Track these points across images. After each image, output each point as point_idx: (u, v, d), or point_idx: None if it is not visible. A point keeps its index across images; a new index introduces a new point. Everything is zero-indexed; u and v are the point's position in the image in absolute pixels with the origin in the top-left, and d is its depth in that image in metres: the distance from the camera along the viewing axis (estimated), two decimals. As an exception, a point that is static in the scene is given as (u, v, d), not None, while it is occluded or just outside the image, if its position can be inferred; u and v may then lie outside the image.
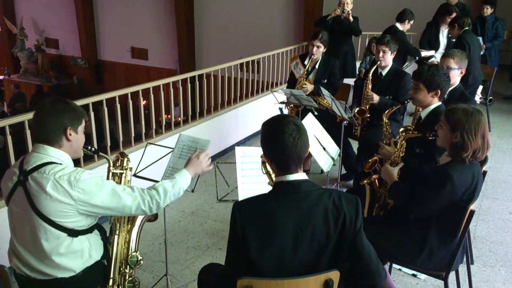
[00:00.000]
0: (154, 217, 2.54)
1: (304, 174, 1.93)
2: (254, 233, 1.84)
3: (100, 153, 2.45)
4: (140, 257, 2.37)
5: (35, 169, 2.04)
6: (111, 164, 2.40)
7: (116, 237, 2.34)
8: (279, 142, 1.84)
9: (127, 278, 2.33)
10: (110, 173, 2.39)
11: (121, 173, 2.42)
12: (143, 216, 2.43)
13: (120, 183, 2.39)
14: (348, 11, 5.96)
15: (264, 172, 2.69)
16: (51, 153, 2.10)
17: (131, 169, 2.47)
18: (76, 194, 2.02)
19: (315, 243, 1.86)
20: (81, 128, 2.18)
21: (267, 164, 2.65)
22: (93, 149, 2.35)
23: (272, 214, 1.85)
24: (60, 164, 2.08)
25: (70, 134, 2.12)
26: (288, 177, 1.89)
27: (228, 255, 1.97)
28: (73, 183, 2.02)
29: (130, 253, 2.36)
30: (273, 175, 2.60)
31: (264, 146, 1.94)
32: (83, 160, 4.04)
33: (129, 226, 2.39)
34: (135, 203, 2.15)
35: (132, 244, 2.39)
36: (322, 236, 1.86)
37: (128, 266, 2.34)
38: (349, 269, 2.00)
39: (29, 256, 2.10)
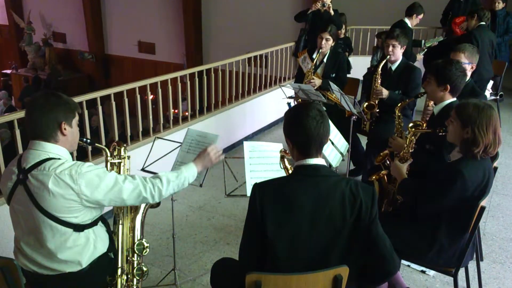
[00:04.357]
0: (157, 204, 2.51)
1: (323, 160, 1.98)
2: (272, 211, 1.90)
3: (97, 144, 2.43)
4: (146, 244, 2.36)
5: (35, 167, 2.02)
6: (109, 155, 2.37)
7: (120, 226, 2.33)
8: (303, 124, 1.90)
9: (135, 266, 2.33)
10: (109, 164, 2.36)
11: (119, 163, 2.39)
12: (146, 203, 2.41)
13: (119, 172, 2.36)
14: (329, 4, 5.91)
15: (282, 167, 2.70)
16: (48, 148, 2.07)
17: (129, 157, 2.43)
18: (78, 187, 2.00)
19: (331, 226, 1.90)
20: (75, 122, 2.15)
21: (285, 159, 2.66)
22: (88, 140, 2.32)
23: (291, 194, 1.91)
24: (59, 159, 2.06)
25: (65, 129, 2.08)
26: (308, 161, 1.95)
27: (245, 236, 2.01)
28: (75, 177, 2.00)
29: (136, 241, 2.35)
30: (290, 171, 2.62)
31: (287, 129, 2.00)
32: (91, 154, 4.05)
33: (132, 214, 2.38)
34: (136, 191, 2.14)
35: (137, 232, 2.37)
36: (338, 220, 1.90)
37: (135, 254, 2.33)
38: (363, 263, 2.02)
39: (35, 254, 2.10)
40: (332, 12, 5.98)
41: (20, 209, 2.08)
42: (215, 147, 2.51)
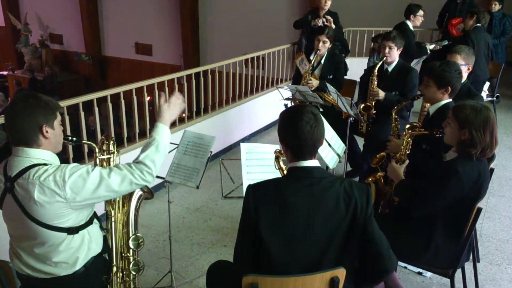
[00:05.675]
0: (151, 195, 2.48)
1: (317, 161, 1.98)
2: (266, 214, 1.90)
3: (84, 141, 2.39)
4: (141, 238, 2.33)
5: (20, 175, 1.97)
6: (97, 151, 2.29)
7: (113, 223, 2.29)
8: (297, 128, 1.90)
9: (131, 261, 2.31)
10: (98, 160, 2.28)
11: (109, 158, 2.31)
12: (138, 196, 2.38)
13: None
14: (329, 19, 5.85)
15: (277, 168, 2.70)
16: (32, 154, 2.01)
17: (118, 151, 2.36)
18: (64, 193, 1.96)
19: (326, 227, 1.90)
20: (57, 123, 2.08)
21: (280, 159, 2.66)
22: (74, 139, 2.25)
23: (285, 196, 1.92)
24: (44, 164, 2.01)
25: (47, 131, 2.02)
26: (302, 163, 1.95)
27: (239, 237, 2.01)
28: (60, 182, 1.95)
29: (130, 235, 2.32)
30: (285, 172, 2.62)
31: (282, 132, 2.00)
32: (87, 156, 4.04)
33: (125, 208, 2.34)
34: (126, 180, 2.08)
35: (131, 227, 2.34)
36: (333, 220, 1.90)
37: (130, 250, 2.31)
38: (359, 262, 2.02)
39: (30, 258, 2.08)
40: (333, 26, 5.88)
41: (12, 217, 2.05)
42: (175, 97, 2.38)
